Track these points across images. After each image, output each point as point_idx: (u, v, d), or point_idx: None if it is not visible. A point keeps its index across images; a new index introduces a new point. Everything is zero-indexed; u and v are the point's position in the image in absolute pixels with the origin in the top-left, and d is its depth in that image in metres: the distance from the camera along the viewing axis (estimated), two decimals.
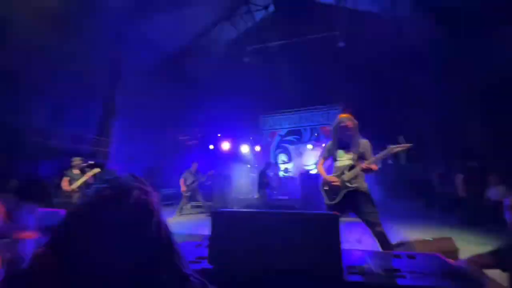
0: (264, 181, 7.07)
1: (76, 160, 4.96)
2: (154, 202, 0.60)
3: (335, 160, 2.89)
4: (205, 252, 1.29)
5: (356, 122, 2.81)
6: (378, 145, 2.83)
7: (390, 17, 8.26)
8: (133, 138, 8.64)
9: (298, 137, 10.51)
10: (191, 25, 9.02)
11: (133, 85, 8.38)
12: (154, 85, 8.47)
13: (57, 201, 4.62)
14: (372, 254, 1.52)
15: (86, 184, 4.87)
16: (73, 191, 4.69)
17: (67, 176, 4.79)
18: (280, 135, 10.83)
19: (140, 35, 7.27)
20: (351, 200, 2.70)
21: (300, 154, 10.17)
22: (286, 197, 8.16)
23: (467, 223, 5.18)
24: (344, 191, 2.72)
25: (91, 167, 5.00)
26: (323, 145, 8.35)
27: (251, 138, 10.41)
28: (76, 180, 4.77)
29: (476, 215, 5.24)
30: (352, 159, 2.76)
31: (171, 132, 10.10)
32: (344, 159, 2.82)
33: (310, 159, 9.58)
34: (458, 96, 7.09)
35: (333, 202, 2.78)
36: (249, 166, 9.81)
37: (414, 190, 7.94)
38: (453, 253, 2.50)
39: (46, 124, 6.40)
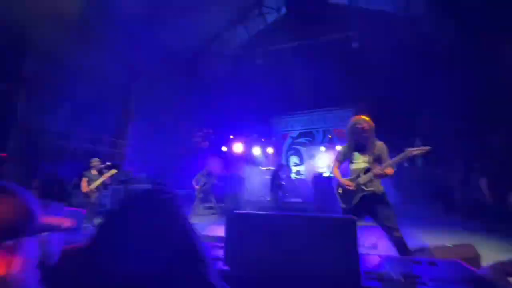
0: (276, 183, 7.04)
1: (95, 161, 5.12)
2: (182, 208, 0.61)
3: (351, 162, 2.84)
4: (220, 253, 1.30)
5: (372, 124, 2.75)
6: (392, 148, 2.75)
7: (404, 16, 8.08)
8: (148, 140, 8.84)
9: (310, 139, 10.42)
10: (205, 28, 9.18)
11: (148, 88, 8.61)
12: (168, 87, 8.65)
13: (76, 201, 4.80)
14: (391, 259, 1.49)
15: (103, 185, 5.04)
16: (91, 191, 4.85)
17: (85, 176, 4.95)
18: (292, 137, 10.77)
19: (155, 39, 7.47)
20: (367, 204, 2.64)
21: (312, 156, 10.03)
22: (299, 200, 8.06)
23: (489, 229, 4.95)
24: (360, 195, 2.67)
25: (109, 168, 5.12)
26: (337, 147, 8.23)
27: (263, 140, 10.41)
28: (94, 180, 4.92)
29: (499, 220, 5.01)
30: (368, 162, 2.70)
31: (184, 134, 10.27)
32: (359, 161, 2.76)
33: (323, 161, 9.47)
34: (478, 97, 6.81)
35: (348, 206, 2.73)
36: (261, 168, 9.81)
37: (433, 194, 7.67)
38: (475, 260, 2.39)
39: (66, 126, 6.67)
